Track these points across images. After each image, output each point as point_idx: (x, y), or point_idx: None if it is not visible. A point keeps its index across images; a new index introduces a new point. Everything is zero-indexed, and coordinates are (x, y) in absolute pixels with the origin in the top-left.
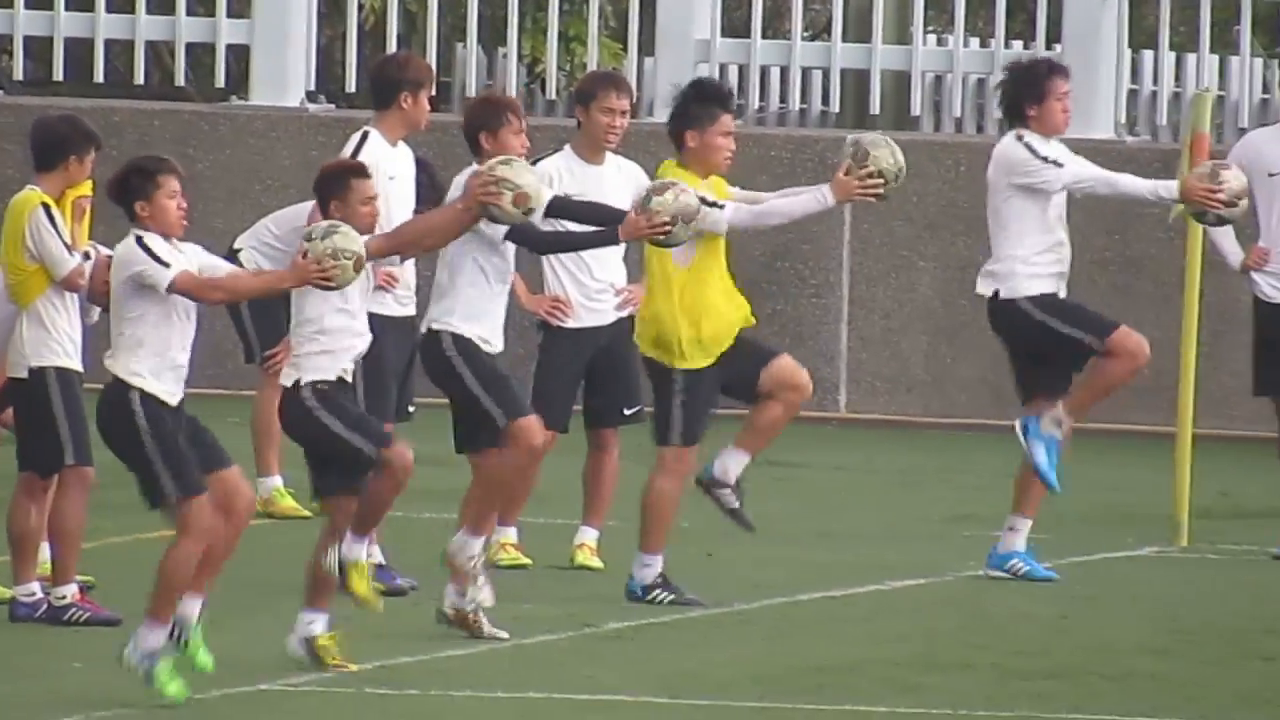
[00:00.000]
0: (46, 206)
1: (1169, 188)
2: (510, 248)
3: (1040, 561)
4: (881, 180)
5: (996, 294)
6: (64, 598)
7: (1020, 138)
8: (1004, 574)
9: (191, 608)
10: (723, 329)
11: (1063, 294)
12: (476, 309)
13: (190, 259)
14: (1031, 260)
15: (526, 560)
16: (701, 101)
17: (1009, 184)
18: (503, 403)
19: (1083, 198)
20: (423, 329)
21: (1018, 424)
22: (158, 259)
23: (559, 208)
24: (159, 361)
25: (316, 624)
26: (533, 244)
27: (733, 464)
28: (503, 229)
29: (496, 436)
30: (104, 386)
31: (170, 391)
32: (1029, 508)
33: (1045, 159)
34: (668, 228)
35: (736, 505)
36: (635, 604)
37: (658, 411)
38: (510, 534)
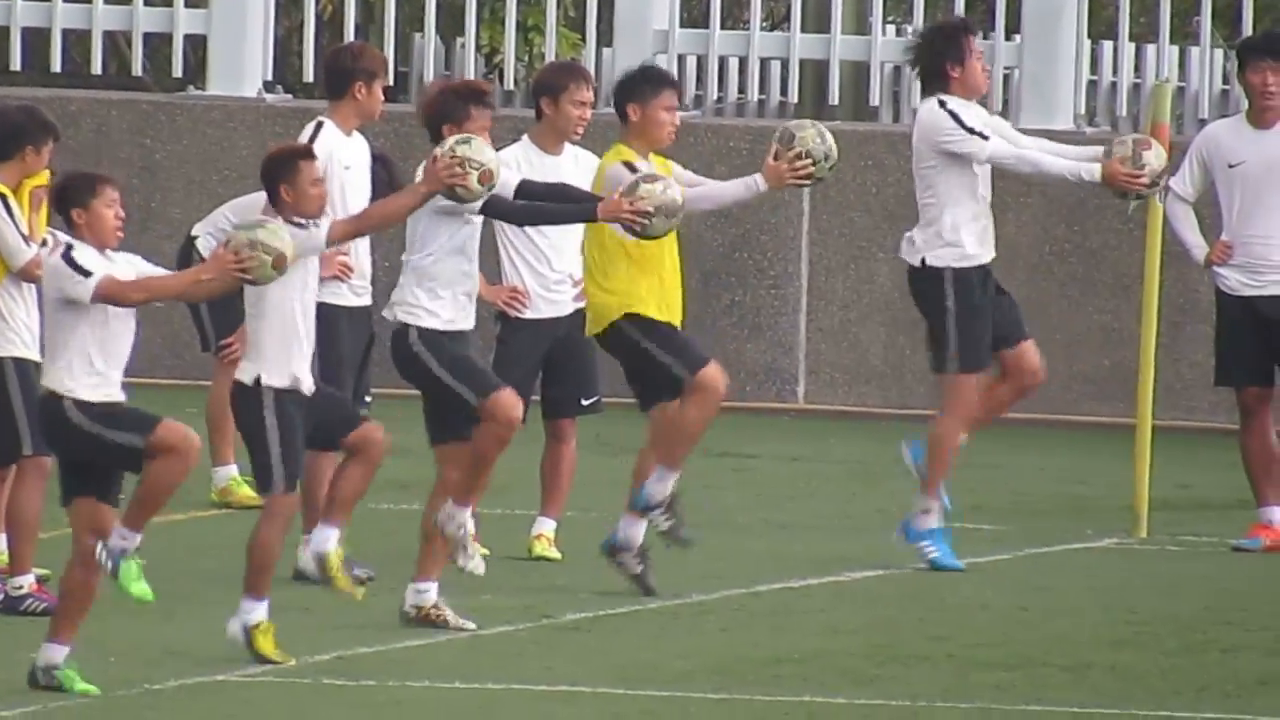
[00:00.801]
0: (4, 197)
1: (1090, 170)
2: (478, 225)
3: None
4: (810, 160)
5: (923, 262)
6: (20, 588)
7: (943, 104)
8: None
9: (130, 540)
10: (641, 290)
11: (987, 258)
12: (445, 289)
13: (124, 267)
14: (960, 228)
15: (484, 551)
16: (646, 78)
17: (933, 151)
18: (471, 384)
19: (1038, 179)
20: (391, 317)
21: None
22: (80, 269)
23: (527, 189)
24: (94, 369)
25: (256, 612)
26: (510, 216)
27: (659, 485)
28: (479, 204)
29: (468, 424)
30: (41, 396)
31: (107, 396)
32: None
33: (970, 129)
34: (649, 215)
35: (666, 527)
36: (609, 591)
37: (647, 371)
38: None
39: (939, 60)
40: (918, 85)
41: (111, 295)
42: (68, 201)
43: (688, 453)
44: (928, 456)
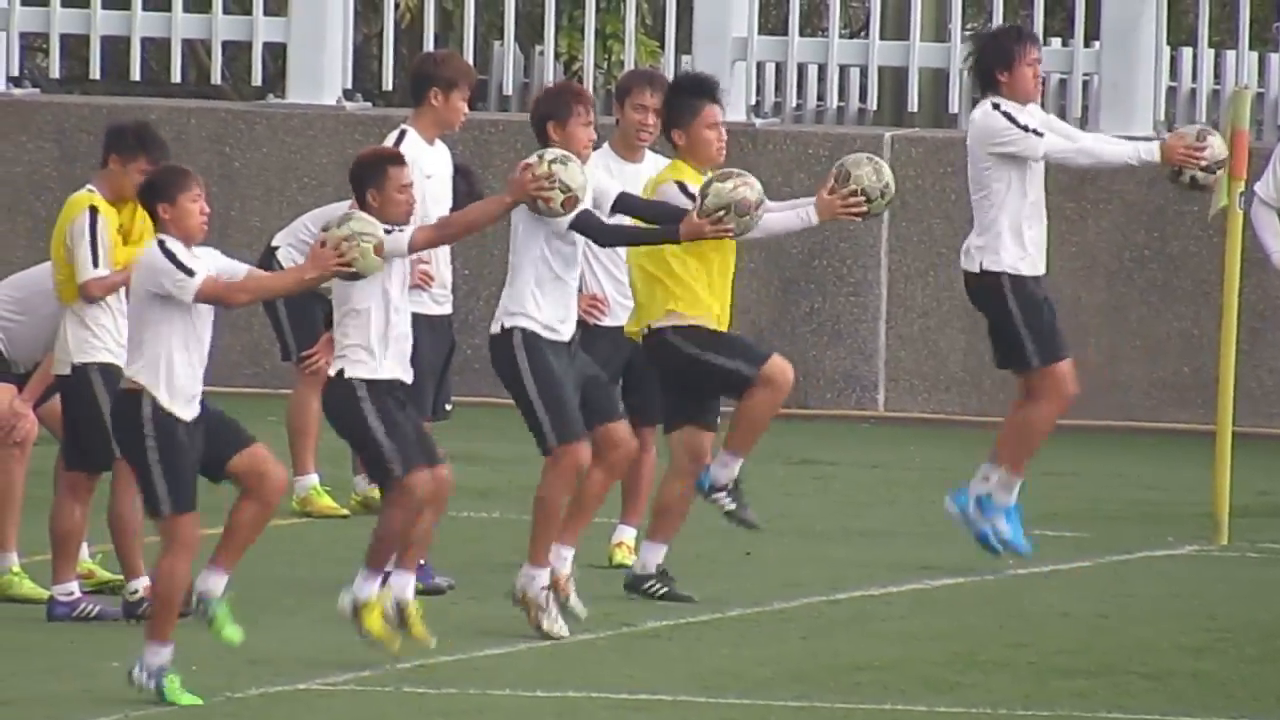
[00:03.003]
0: (93, 209)
1: (1150, 149)
2: (576, 240)
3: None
4: (864, 199)
5: (981, 267)
6: (136, 592)
7: (997, 106)
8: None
9: (217, 584)
10: (689, 300)
11: (1041, 269)
12: (546, 296)
13: (208, 263)
14: (1017, 230)
15: (629, 560)
16: (682, 96)
17: (988, 153)
18: (556, 424)
19: (1109, 179)
20: (494, 327)
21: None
22: (182, 267)
23: (625, 204)
24: (178, 368)
25: (409, 588)
26: (595, 235)
27: (723, 470)
28: (567, 219)
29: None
30: (117, 391)
31: (187, 396)
32: (1016, 465)
33: (1025, 127)
34: (726, 223)
35: (733, 508)
36: (639, 598)
37: (696, 382)
38: None
39: (987, 64)
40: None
41: (215, 297)
42: (154, 196)
43: (755, 441)
44: (1014, 440)
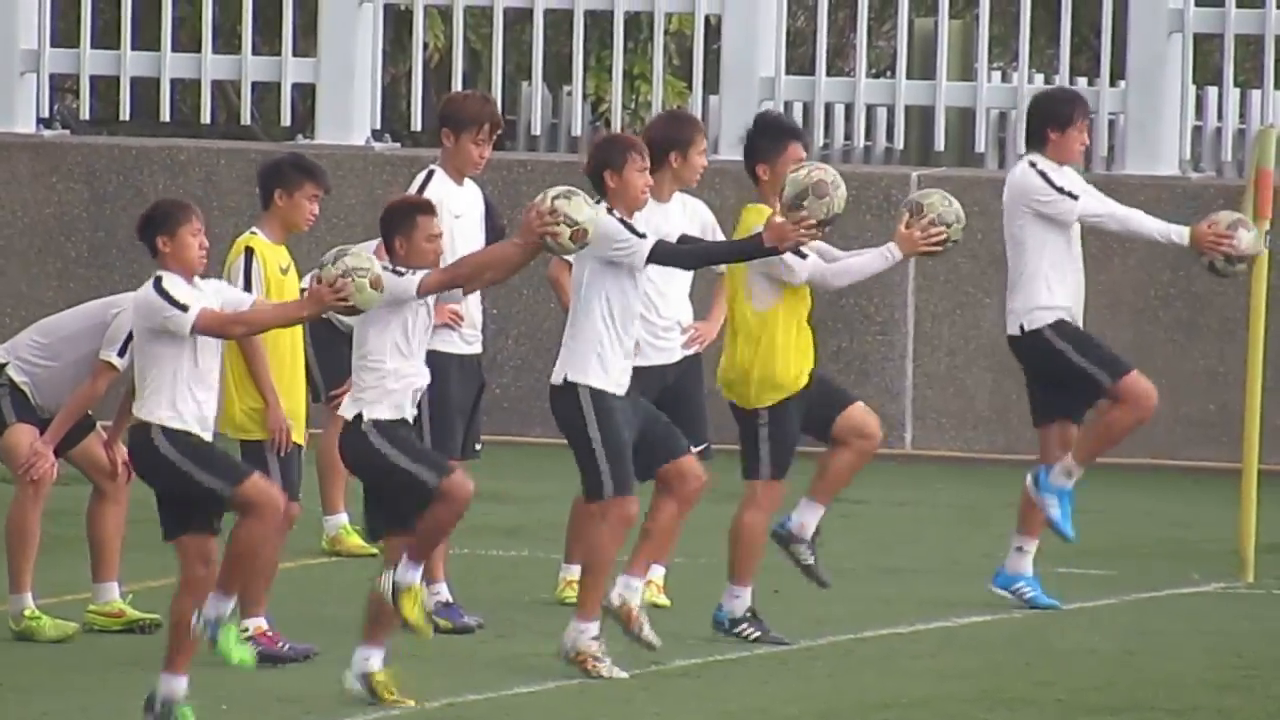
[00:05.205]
0: (250, 250)
1: (1180, 233)
2: (639, 286)
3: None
4: (943, 225)
5: (1022, 328)
6: (246, 629)
7: (1034, 165)
8: (1008, 595)
9: (224, 608)
10: (791, 375)
11: (1078, 323)
12: (608, 353)
13: (212, 295)
14: (1051, 288)
15: (666, 601)
16: (767, 134)
17: (1024, 210)
18: (616, 474)
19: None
20: (556, 379)
21: (1029, 477)
22: (175, 303)
23: (687, 242)
24: (182, 402)
25: (373, 659)
26: (678, 261)
27: (809, 517)
28: (642, 258)
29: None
30: (131, 426)
31: (196, 422)
32: (1034, 529)
33: (1060, 189)
34: (808, 214)
35: (811, 561)
36: (718, 637)
37: (745, 447)
38: (575, 571)
39: (1043, 120)
40: (1023, 132)
41: (211, 329)
42: (154, 229)
43: (839, 492)
44: (1090, 439)
